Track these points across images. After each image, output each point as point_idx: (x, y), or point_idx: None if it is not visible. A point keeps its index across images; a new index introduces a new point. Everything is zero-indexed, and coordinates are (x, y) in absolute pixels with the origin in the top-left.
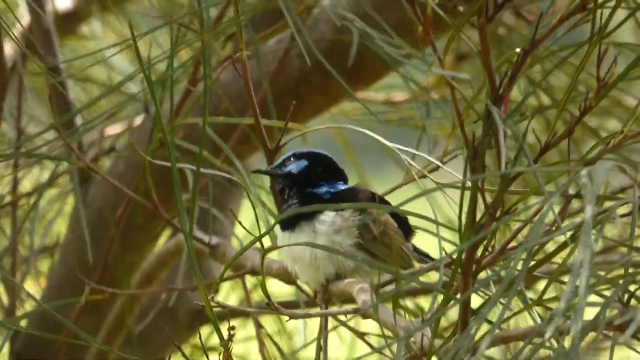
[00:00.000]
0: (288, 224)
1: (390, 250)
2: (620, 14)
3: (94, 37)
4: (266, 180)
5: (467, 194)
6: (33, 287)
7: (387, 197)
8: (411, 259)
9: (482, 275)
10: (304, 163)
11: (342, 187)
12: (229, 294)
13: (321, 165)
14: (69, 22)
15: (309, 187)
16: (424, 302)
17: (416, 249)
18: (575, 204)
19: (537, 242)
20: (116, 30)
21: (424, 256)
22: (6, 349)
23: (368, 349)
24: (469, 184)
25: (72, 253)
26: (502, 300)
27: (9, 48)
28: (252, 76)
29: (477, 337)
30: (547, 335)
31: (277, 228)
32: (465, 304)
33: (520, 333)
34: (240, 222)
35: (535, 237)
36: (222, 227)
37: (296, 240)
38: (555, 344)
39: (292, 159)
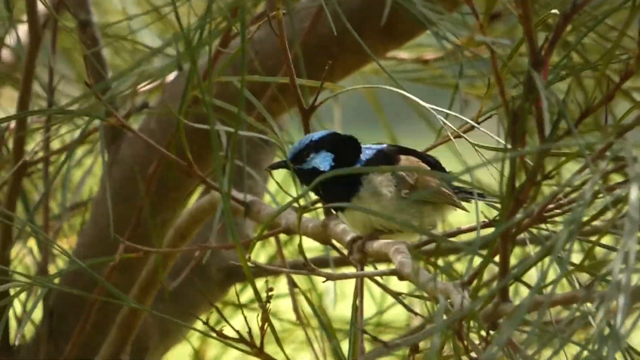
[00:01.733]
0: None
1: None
2: None
3: None
4: (298, 137)
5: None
6: (65, 244)
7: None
8: (454, 197)
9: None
10: (328, 157)
11: (367, 156)
12: (259, 252)
13: (343, 152)
14: None
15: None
16: (458, 262)
17: (455, 187)
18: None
19: (581, 213)
20: None
21: (465, 193)
22: (39, 305)
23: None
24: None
25: (103, 211)
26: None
27: (41, 4)
28: (287, 33)
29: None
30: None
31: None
32: (504, 268)
33: (563, 298)
34: (276, 180)
35: (587, 200)
36: (255, 185)
37: (353, 210)
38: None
39: (311, 152)
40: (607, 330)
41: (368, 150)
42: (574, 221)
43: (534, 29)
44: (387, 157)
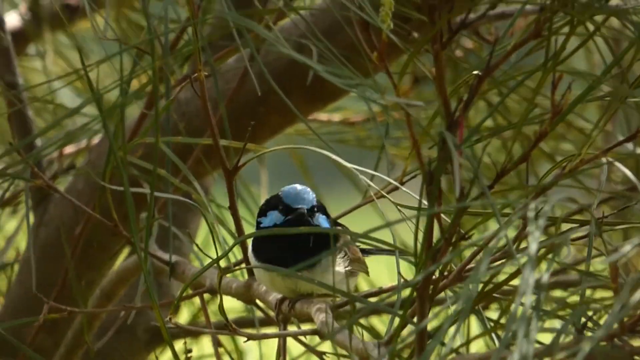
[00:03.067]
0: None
1: (358, 262)
2: (574, 41)
3: (43, 58)
4: (225, 199)
5: (424, 218)
6: None
7: (344, 218)
8: (367, 266)
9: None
10: (325, 219)
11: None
12: (189, 310)
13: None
14: (17, 42)
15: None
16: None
17: (361, 249)
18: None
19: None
20: (68, 52)
21: (367, 253)
22: None
23: None
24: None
25: (29, 272)
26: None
27: None
28: (211, 95)
29: None
30: None
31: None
32: (422, 327)
33: (477, 358)
34: (195, 243)
35: (485, 265)
36: (182, 246)
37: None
38: None
39: (317, 211)
40: None
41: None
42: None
43: (447, 89)
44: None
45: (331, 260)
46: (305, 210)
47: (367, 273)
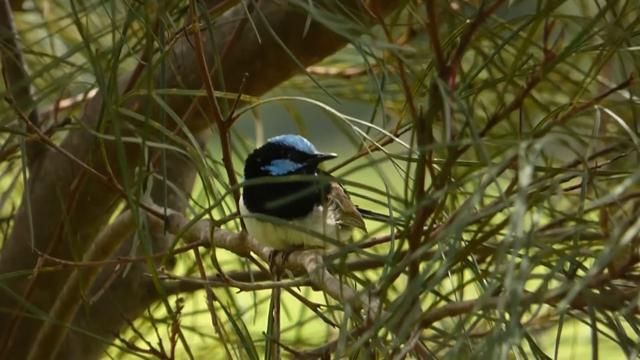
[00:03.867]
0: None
1: (352, 217)
2: None
3: (40, 11)
4: (219, 152)
5: (415, 165)
6: None
7: (339, 170)
8: (362, 220)
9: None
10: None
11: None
12: (185, 265)
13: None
14: None
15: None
16: (376, 275)
17: (359, 209)
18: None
19: (468, 217)
20: (65, 7)
21: (366, 213)
22: None
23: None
24: (417, 155)
25: (25, 227)
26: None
27: None
28: (208, 49)
29: (425, 309)
30: (476, 308)
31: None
32: (413, 275)
33: (467, 305)
34: (189, 195)
35: (469, 210)
36: (177, 199)
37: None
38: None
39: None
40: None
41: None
42: (461, 227)
43: (439, 37)
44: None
45: (322, 211)
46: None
47: (363, 228)
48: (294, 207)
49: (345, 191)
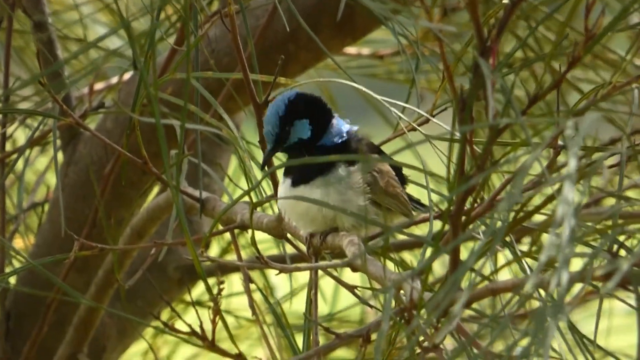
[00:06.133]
0: (301, 178)
1: (394, 199)
2: None
3: None
4: (255, 134)
5: (456, 146)
6: (22, 244)
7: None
8: (409, 207)
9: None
10: (305, 124)
11: (345, 132)
12: (219, 246)
13: (318, 114)
14: None
15: (317, 141)
16: (413, 256)
17: (410, 197)
18: (565, 156)
19: (518, 196)
20: None
21: (416, 204)
22: None
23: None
24: (457, 135)
25: (59, 211)
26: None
27: None
28: (241, 32)
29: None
30: (528, 287)
31: (284, 181)
32: (454, 256)
33: (509, 285)
34: (228, 176)
35: (518, 189)
36: (212, 182)
37: (309, 193)
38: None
39: (288, 127)
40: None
41: (341, 124)
42: (507, 209)
43: (480, 16)
44: (363, 149)
45: (352, 171)
46: (270, 151)
47: (406, 215)
48: (317, 167)
49: (402, 175)
